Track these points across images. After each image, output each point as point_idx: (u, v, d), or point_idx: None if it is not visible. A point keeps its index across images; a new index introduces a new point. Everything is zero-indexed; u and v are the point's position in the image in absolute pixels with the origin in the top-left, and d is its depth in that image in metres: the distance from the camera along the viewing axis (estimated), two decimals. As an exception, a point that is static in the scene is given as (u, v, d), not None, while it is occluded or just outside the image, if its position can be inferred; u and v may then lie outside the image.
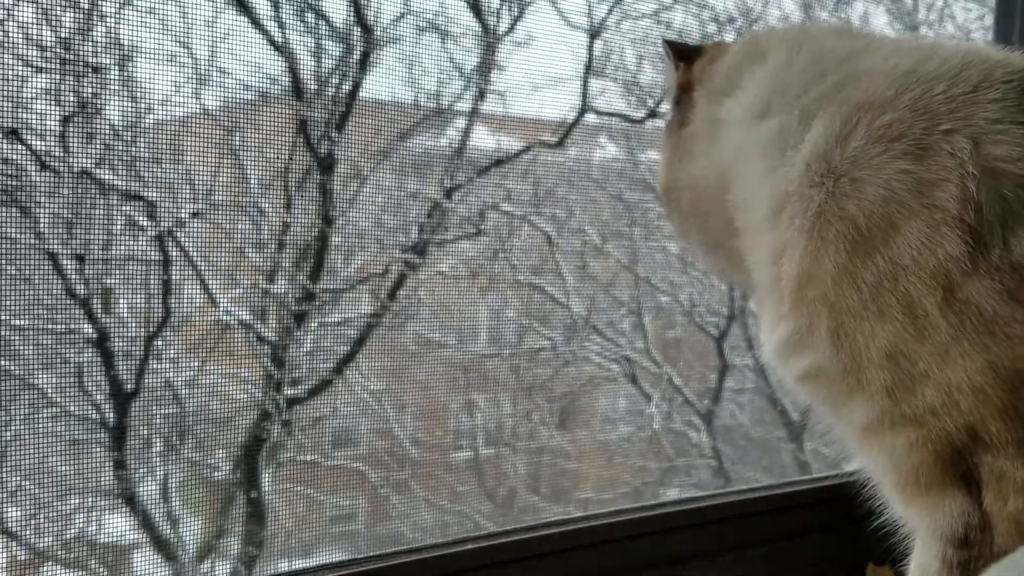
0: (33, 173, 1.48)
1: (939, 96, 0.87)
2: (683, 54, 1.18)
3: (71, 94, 1.47)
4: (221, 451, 1.82)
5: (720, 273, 1.26)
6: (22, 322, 1.56)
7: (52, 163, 1.47)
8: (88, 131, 1.51)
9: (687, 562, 1.54)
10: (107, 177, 1.54)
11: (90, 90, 1.48)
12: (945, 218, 0.81)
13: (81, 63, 1.46)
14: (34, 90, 1.45)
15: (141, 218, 1.61)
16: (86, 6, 1.42)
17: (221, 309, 1.74)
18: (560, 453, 2.39)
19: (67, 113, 1.47)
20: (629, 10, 2.03)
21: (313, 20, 1.68)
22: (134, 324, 1.71)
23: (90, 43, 1.46)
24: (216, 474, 1.84)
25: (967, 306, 0.80)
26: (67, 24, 1.43)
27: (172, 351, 1.79)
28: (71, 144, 1.48)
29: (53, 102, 1.46)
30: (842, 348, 0.87)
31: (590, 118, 2.08)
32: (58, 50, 1.44)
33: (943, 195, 0.82)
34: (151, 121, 1.60)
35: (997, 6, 2.02)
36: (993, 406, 0.80)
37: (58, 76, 1.46)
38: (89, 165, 1.51)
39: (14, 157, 1.45)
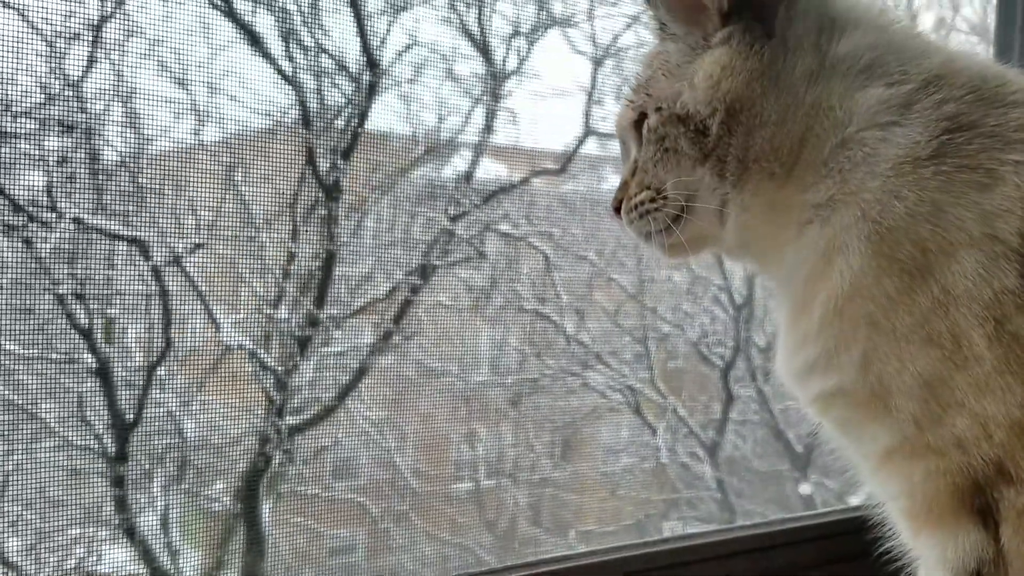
0: (42, 207, 1.50)
1: (1013, 122, 0.88)
2: None
3: (81, 129, 1.50)
4: (221, 482, 1.83)
5: (738, 243, 1.04)
6: (24, 351, 1.57)
7: (40, 216, 1.49)
8: (96, 163, 1.53)
9: (691, 597, 1.55)
10: (105, 224, 1.57)
11: (94, 122, 1.51)
12: (1005, 251, 0.82)
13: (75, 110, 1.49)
14: (41, 125, 1.47)
15: (146, 247, 1.63)
16: (89, 39, 1.46)
17: (224, 337, 1.76)
18: (562, 484, 2.40)
19: (64, 154, 1.50)
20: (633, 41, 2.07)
21: (320, 52, 1.72)
22: (137, 353, 1.72)
23: (97, 75, 1.49)
24: (216, 505, 1.84)
25: (1015, 339, 0.81)
26: (77, 58, 1.47)
27: (174, 380, 1.80)
28: (80, 176, 1.51)
29: (64, 137, 1.49)
30: (871, 372, 0.87)
31: (592, 149, 2.11)
32: (68, 87, 1.47)
33: (1005, 227, 0.83)
34: (161, 149, 1.63)
35: (996, 40, 2.07)
36: None
37: (67, 110, 1.49)
38: (84, 212, 1.53)
39: (21, 193, 1.47)
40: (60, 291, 1.55)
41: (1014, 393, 0.81)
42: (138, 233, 1.60)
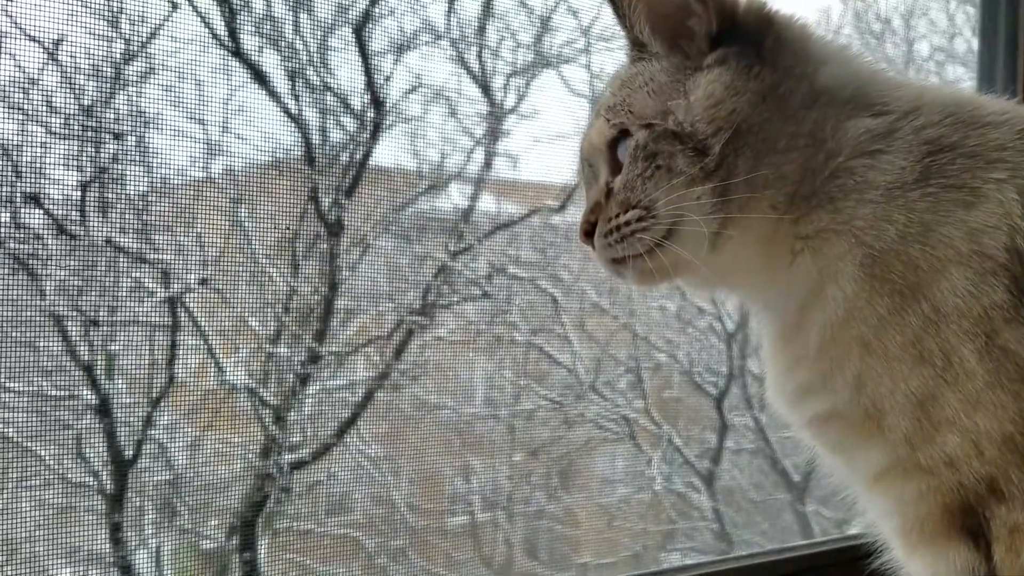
0: (47, 239, 1.56)
1: (992, 142, 0.94)
2: None
3: (88, 162, 1.57)
4: (218, 519, 1.86)
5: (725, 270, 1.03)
6: (21, 386, 1.61)
7: (69, 228, 1.55)
8: (103, 198, 1.60)
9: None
10: (121, 241, 1.63)
11: (107, 156, 1.58)
12: (993, 266, 0.87)
13: (103, 131, 1.56)
14: (53, 156, 1.54)
15: (150, 283, 1.69)
16: (109, 75, 1.53)
17: (225, 374, 1.81)
18: (559, 517, 2.44)
19: (85, 180, 1.56)
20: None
21: (326, 89, 1.79)
22: (136, 390, 1.77)
23: (111, 111, 1.56)
24: (212, 543, 1.88)
25: (1005, 353, 0.86)
26: (89, 92, 1.54)
27: (173, 417, 1.84)
28: (87, 210, 1.57)
29: (73, 168, 1.55)
30: (864, 393, 0.92)
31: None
32: (80, 118, 1.54)
33: (991, 243, 0.88)
34: (167, 187, 1.69)
35: (979, 69, 2.16)
36: (1020, 455, 0.86)
37: (77, 144, 1.55)
38: (105, 233, 1.59)
39: (30, 222, 1.53)
40: (63, 325, 1.60)
41: (1006, 408, 0.85)
42: (149, 265, 1.66)
